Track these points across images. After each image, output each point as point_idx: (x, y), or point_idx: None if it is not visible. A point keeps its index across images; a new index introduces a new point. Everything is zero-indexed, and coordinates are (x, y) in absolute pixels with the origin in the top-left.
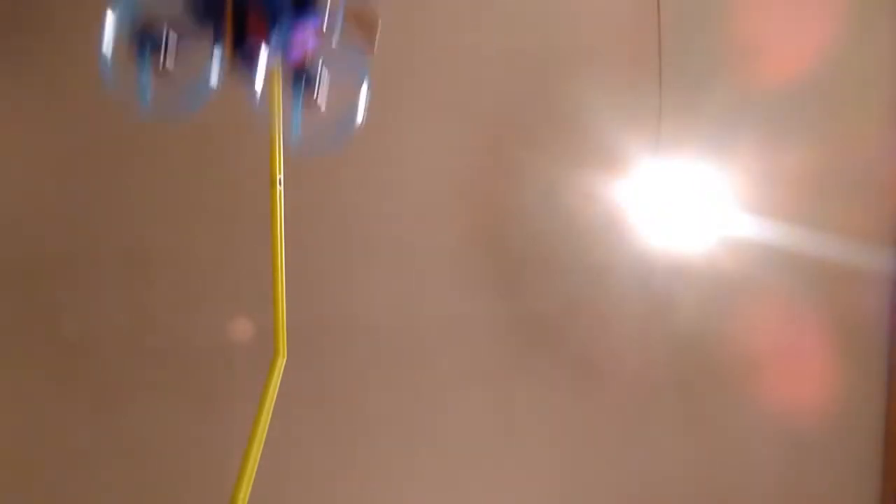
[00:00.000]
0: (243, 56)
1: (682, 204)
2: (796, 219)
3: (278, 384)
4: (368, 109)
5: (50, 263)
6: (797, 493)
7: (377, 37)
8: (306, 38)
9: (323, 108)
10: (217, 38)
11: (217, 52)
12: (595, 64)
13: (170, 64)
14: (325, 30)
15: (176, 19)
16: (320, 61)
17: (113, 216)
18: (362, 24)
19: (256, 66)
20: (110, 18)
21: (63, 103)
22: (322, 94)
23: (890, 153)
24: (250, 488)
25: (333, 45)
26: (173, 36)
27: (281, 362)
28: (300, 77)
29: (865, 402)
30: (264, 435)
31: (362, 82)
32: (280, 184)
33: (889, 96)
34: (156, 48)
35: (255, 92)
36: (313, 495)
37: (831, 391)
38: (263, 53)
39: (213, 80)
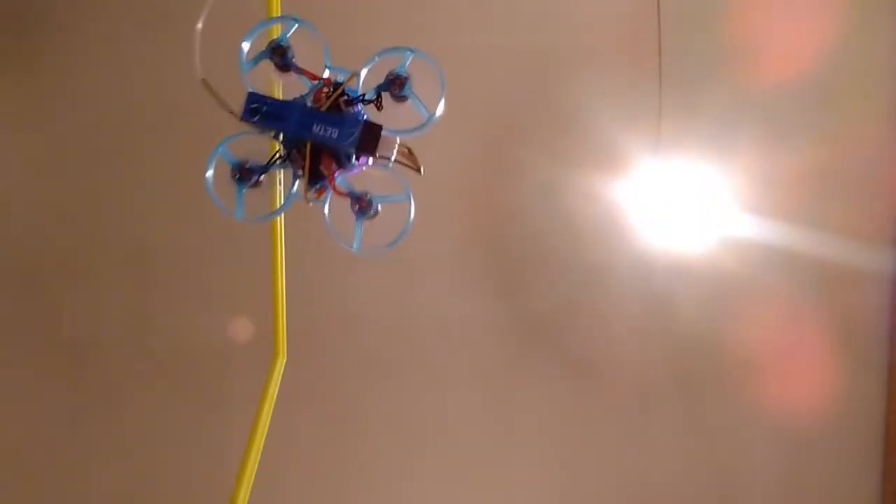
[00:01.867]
0: (316, 183)
1: (682, 204)
2: (796, 219)
3: (278, 384)
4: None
5: (50, 263)
6: (797, 494)
7: (419, 164)
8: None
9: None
10: (297, 171)
11: (297, 181)
12: (595, 64)
13: (260, 184)
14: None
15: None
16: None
17: (113, 216)
18: (407, 156)
19: (327, 193)
20: (213, 155)
21: (64, 104)
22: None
23: (890, 153)
24: (250, 488)
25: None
26: (263, 167)
27: (281, 362)
28: (359, 204)
29: (865, 403)
30: (264, 435)
31: (409, 199)
32: (280, 184)
33: (889, 96)
34: (251, 176)
35: (324, 212)
36: (313, 495)
37: (831, 391)
38: (331, 181)
39: (293, 198)
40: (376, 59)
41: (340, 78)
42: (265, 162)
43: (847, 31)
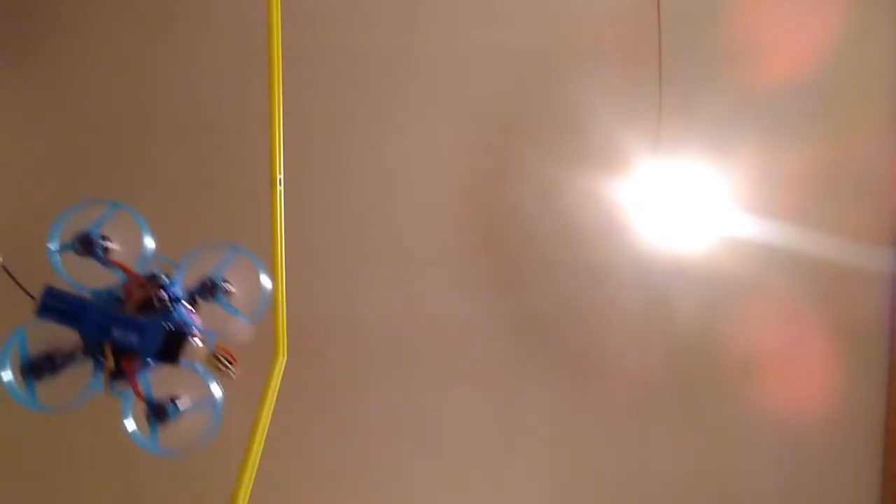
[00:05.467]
0: (117, 379)
1: (682, 204)
2: (796, 219)
3: (278, 384)
4: (367, 108)
5: (50, 263)
6: (797, 494)
7: (236, 370)
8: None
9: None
10: (98, 367)
11: (98, 375)
12: (595, 63)
13: (54, 378)
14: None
15: (66, 351)
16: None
17: None
18: (221, 360)
19: (127, 388)
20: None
21: (63, 104)
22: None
23: (890, 153)
24: (250, 488)
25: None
26: (61, 363)
27: (281, 362)
28: (155, 411)
29: (865, 403)
30: (264, 435)
31: (216, 411)
32: (280, 184)
33: (889, 96)
34: (42, 374)
35: (125, 402)
36: (313, 495)
37: (831, 391)
38: (131, 383)
39: (94, 390)
40: (196, 254)
41: (158, 272)
42: (63, 356)
43: (847, 31)
